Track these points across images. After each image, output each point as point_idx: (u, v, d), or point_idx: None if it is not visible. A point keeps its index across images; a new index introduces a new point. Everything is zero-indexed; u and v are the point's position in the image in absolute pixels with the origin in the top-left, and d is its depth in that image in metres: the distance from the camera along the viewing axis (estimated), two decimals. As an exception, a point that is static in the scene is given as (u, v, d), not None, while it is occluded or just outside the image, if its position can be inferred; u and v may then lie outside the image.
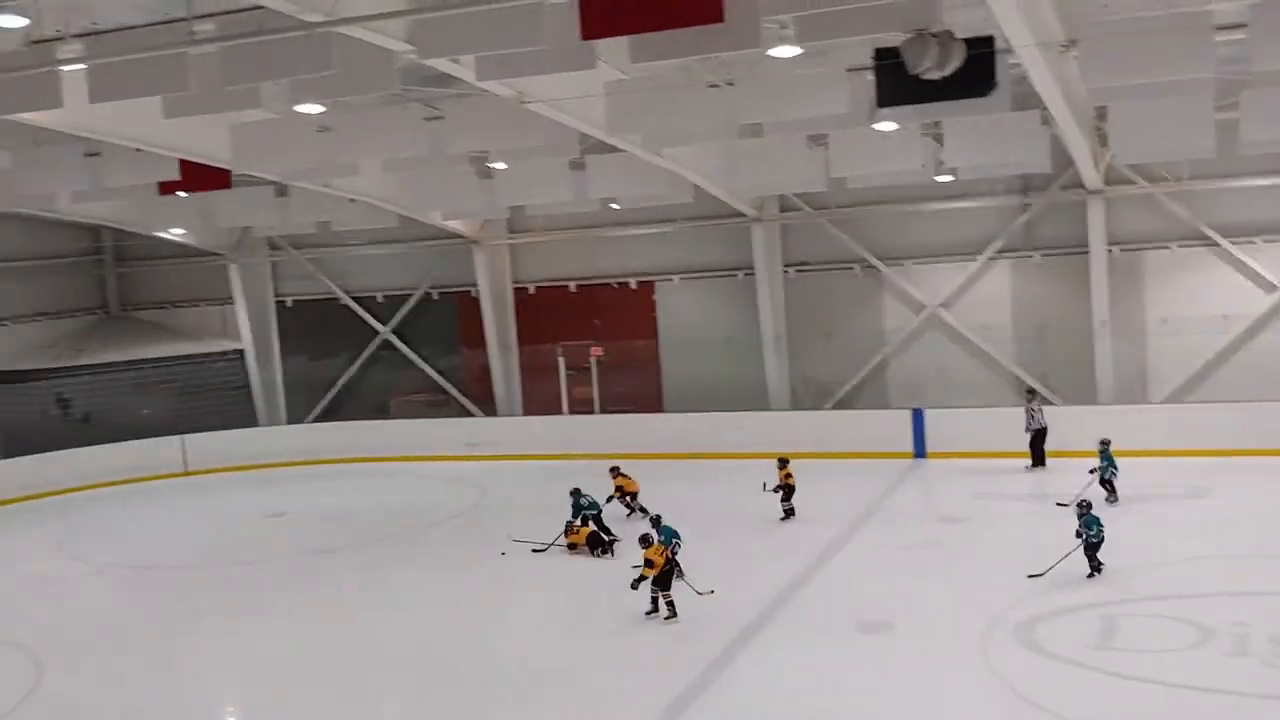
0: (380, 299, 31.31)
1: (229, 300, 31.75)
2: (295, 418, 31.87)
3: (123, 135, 17.99)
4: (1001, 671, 13.12)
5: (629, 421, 27.54)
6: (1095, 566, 15.80)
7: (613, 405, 28.47)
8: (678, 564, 15.96)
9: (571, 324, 29.23)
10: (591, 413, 28.20)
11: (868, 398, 27.20)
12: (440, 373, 31.04)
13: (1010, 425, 23.17)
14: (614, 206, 25.93)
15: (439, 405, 30.93)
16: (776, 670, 13.64)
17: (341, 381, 31.69)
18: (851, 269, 27.19)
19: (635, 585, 15.21)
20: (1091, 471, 19.51)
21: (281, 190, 24.60)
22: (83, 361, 30.34)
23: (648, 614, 15.30)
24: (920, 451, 24.68)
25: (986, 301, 26.31)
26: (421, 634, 16.00)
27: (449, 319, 31.04)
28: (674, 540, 16.09)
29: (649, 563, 15.06)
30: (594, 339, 28.76)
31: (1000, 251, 26.03)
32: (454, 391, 30.87)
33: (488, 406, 30.33)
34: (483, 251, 29.44)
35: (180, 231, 29.43)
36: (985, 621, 14.51)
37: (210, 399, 31.27)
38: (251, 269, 31.66)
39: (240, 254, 31.32)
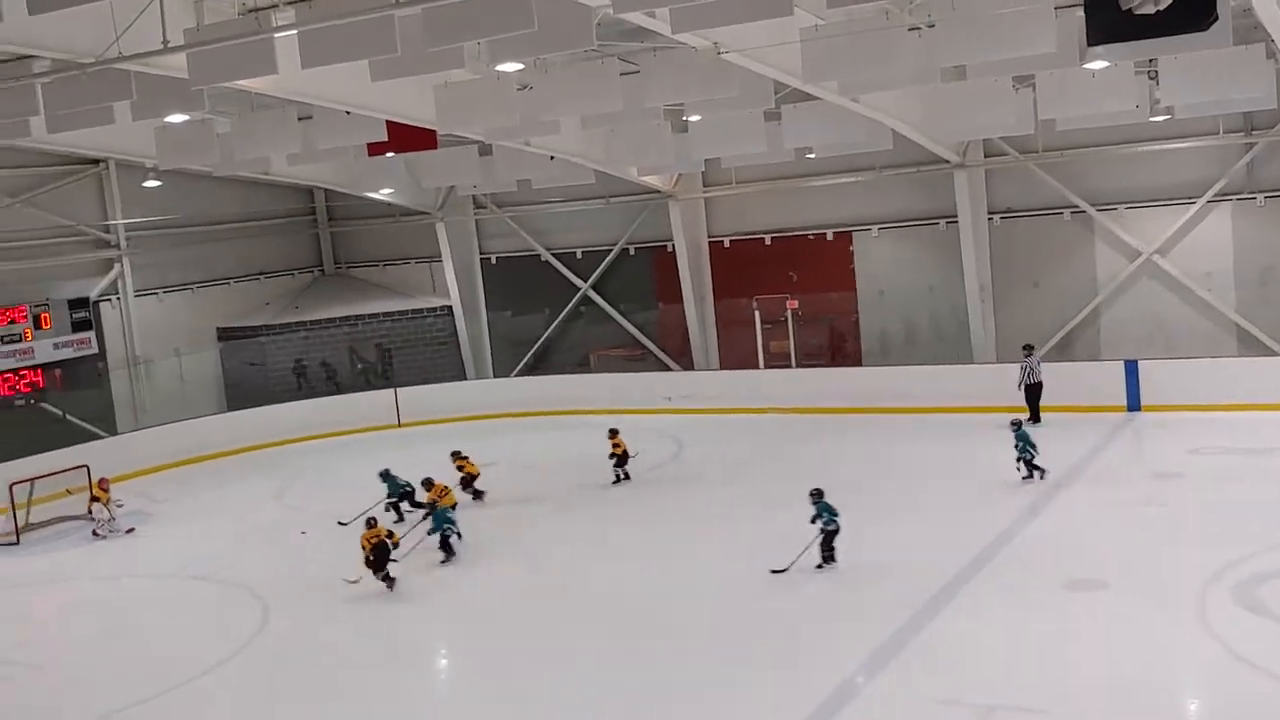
0: (580, 255, 31.75)
1: (437, 258, 32.70)
2: (501, 371, 32.71)
3: (333, 99, 18.63)
4: (1219, 632, 12.55)
5: (826, 375, 27.32)
6: None
7: (809, 358, 28.21)
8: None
9: (767, 277, 29.02)
10: (788, 366, 28.02)
11: (1078, 349, 26.19)
12: (638, 327, 31.34)
13: (1232, 377, 22.01)
14: (810, 156, 25.55)
15: (637, 359, 31.27)
16: (980, 625, 13.38)
17: (544, 336, 32.33)
18: (1061, 215, 26.14)
19: None
20: None
21: (484, 149, 25.12)
22: (300, 318, 31.83)
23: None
24: (1134, 404, 23.65)
25: (1206, 247, 24.91)
26: (619, 584, 16.29)
27: (646, 274, 31.26)
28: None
29: None
30: (790, 292, 28.49)
31: (1221, 194, 24.58)
32: (651, 346, 31.14)
33: (685, 360, 30.50)
34: (678, 206, 29.49)
35: (389, 191, 30.43)
36: (1202, 580, 13.89)
37: (420, 353, 32.40)
38: (457, 227, 32.52)
39: (446, 213, 32.20)
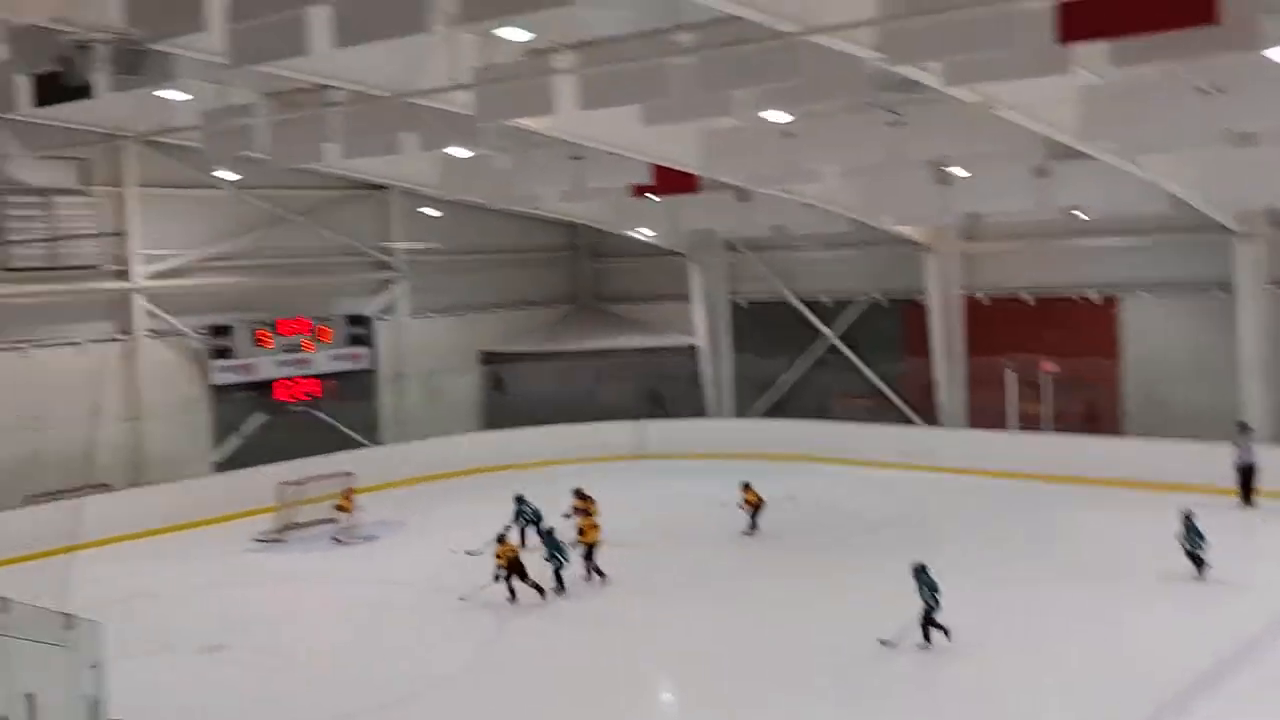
0: (828, 302, 31.66)
1: (687, 297, 33.25)
2: (742, 412, 32.89)
3: (604, 140, 19.35)
4: None
5: (1081, 443, 26.11)
6: None
7: (1064, 424, 27.14)
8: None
9: (1023, 336, 28.11)
10: (1040, 430, 27.06)
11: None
12: (883, 378, 30.94)
13: None
14: (1079, 215, 24.71)
15: (880, 410, 30.84)
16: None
17: (787, 380, 32.34)
18: (1351, 291, 24.37)
19: None
20: None
21: (743, 194, 25.46)
22: (556, 348, 32.93)
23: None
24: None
25: None
26: (840, 638, 16.09)
27: (895, 325, 30.84)
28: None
29: None
30: (1047, 353, 27.51)
31: None
32: (895, 398, 30.68)
33: (929, 415, 29.90)
34: (934, 258, 29.03)
35: (647, 231, 31.19)
36: None
37: (666, 389, 32.95)
38: (710, 268, 32.98)
39: (700, 254, 32.72)
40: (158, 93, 16.96)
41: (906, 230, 28.22)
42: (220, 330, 27.03)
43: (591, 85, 14.82)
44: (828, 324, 31.55)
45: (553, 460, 29.01)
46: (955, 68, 13.43)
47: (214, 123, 18.85)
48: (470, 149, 20.15)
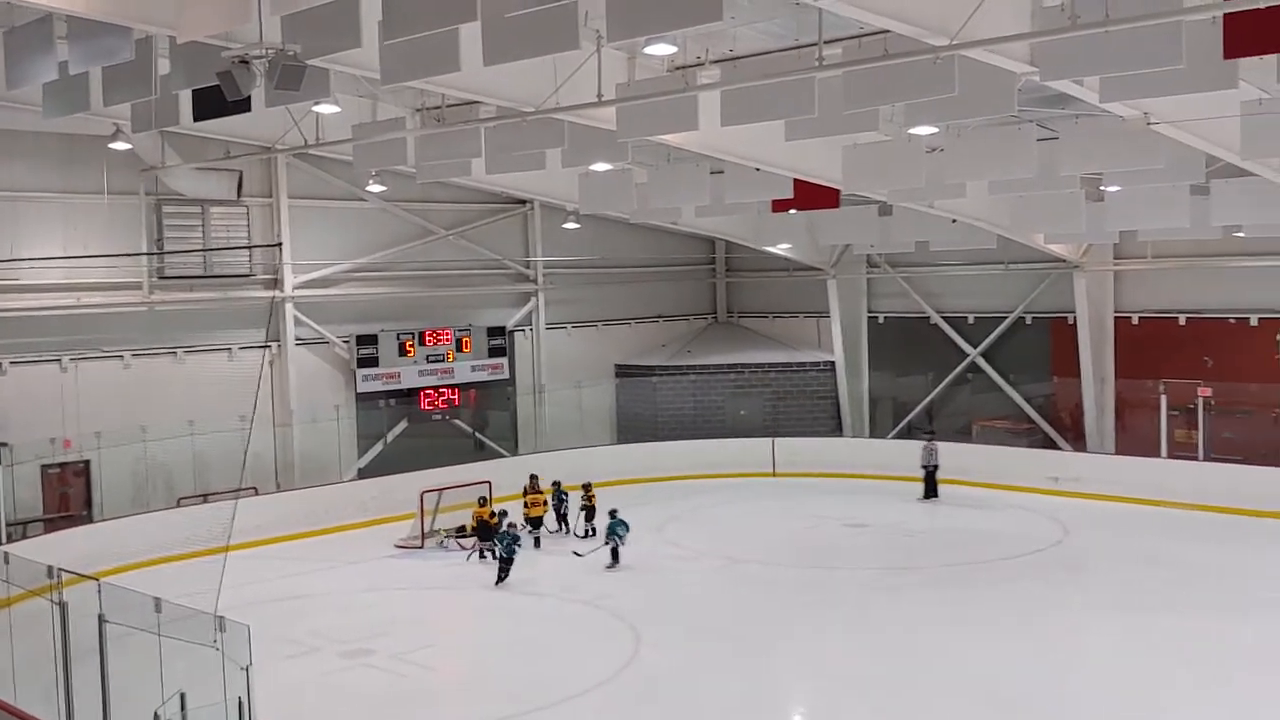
0: (971, 320, 30.99)
1: (825, 313, 32.91)
2: (878, 431, 32.39)
3: (744, 155, 19.23)
4: None
5: (1239, 473, 24.93)
6: None
7: (1219, 452, 26.03)
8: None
9: (1177, 359, 27.12)
10: (1194, 458, 25.99)
11: None
12: (1028, 400, 30.14)
13: None
14: (1238, 235, 23.74)
15: (1024, 433, 30.03)
16: None
17: (926, 400, 31.76)
18: None
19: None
20: None
21: (885, 210, 25.09)
22: (691, 362, 32.93)
23: None
24: None
25: None
26: (988, 665, 15.68)
27: (1041, 345, 30.04)
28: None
29: None
30: (1202, 378, 26.45)
31: None
32: (1040, 421, 29.84)
33: (1076, 440, 29.00)
34: (1084, 277, 28.19)
35: (786, 246, 30.96)
36: None
37: (800, 406, 32.65)
38: (848, 285, 32.60)
39: (839, 270, 32.37)
40: (312, 107, 17.43)
41: (1055, 248, 27.48)
42: (366, 339, 27.71)
43: (735, 101, 14.76)
44: (971, 343, 30.89)
45: (687, 475, 28.99)
46: (1113, 83, 13.00)
47: (364, 136, 19.38)
48: (612, 164, 20.25)
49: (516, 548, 20.69)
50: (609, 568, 21.19)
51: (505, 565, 20.54)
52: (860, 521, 24.81)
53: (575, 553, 21.91)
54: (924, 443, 27.38)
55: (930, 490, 26.74)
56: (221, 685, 9.10)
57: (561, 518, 23.96)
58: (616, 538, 21.43)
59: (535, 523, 23.16)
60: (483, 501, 22.70)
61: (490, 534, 21.88)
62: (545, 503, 23.48)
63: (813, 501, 27.12)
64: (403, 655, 16.89)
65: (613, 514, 21.71)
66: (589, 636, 17.88)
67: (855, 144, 18.57)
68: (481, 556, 22.08)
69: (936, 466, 26.79)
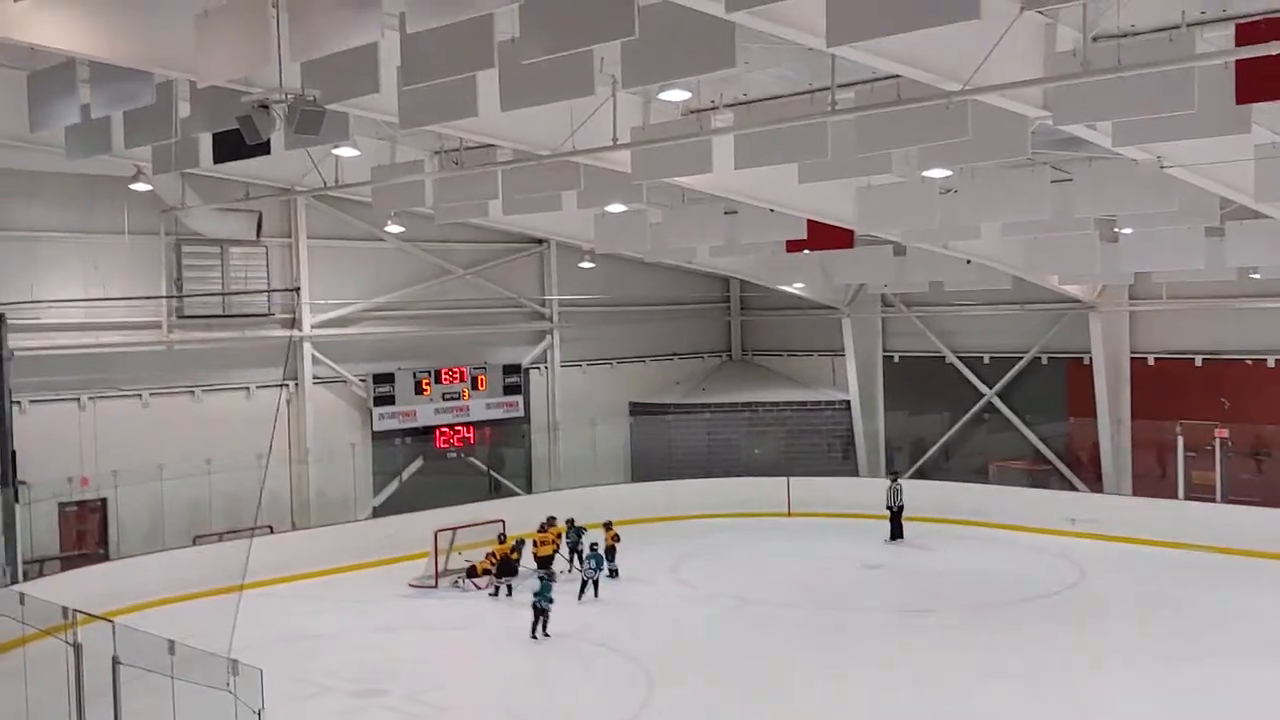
0: (986, 360, 30.95)
1: (840, 352, 32.90)
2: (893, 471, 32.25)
3: (758, 196, 19.32)
4: None
5: (1258, 516, 24.74)
6: None
7: (1237, 494, 25.87)
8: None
9: (1194, 401, 27.00)
10: (1212, 500, 25.84)
11: None
12: (1044, 440, 30.03)
13: None
14: (1254, 276, 23.72)
15: (1040, 474, 29.90)
16: None
17: (941, 440, 31.66)
18: None
19: None
20: None
21: (899, 250, 25.15)
22: (706, 400, 32.93)
23: None
24: None
25: None
26: (1006, 713, 15.55)
27: (1057, 386, 29.96)
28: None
29: None
30: (1219, 419, 26.34)
31: None
32: (1057, 462, 29.72)
33: (1093, 481, 28.86)
34: (1099, 318, 28.16)
35: (800, 286, 31.02)
36: None
37: (815, 444, 32.59)
38: (863, 324, 32.62)
39: (854, 309, 32.39)
40: (332, 150, 17.61)
41: (1070, 289, 27.47)
42: (383, 378, 27.81)
43: (749, 144, 14.86)
44: (987, 383, 30.84)
45: (700, 514, 28.94)
46: (1126, 128, 13.05)
47: (383, 178, 19.55)
48: (627, 205, 20.38)
49: (552, 598, 19.76)
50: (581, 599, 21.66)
51: (542, 615, 19.56)
52: (876, 563, 24.71)
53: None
54: (889, 483, 27.34)
55: (896, 531, 26.71)
56: (235, 728, 9.11)
57: (575, 554, 23.63)
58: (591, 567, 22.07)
59: (543, 562, 22.88)
60: (502, 538, 22.77)
61: (512, 569, 22.06)
62: (554, 541, 23.33)
63: (828, 541, 27.02)
64: (416, 695, 16.85)
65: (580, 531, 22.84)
66: (602, 678, 17.82)
67: (869, 185, 18.68)
68: (496, 592, 22.19)
69: (901, 507, 26.80)
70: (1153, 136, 12.99)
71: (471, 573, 23.04)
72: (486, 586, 22.52)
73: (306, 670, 17.71)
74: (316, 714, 15.99)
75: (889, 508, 26.83)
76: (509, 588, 22.17)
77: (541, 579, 20.11)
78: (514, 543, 22.94)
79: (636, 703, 16.36)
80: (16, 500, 21.16)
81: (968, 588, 22.58)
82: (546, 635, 19.41)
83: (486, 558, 22.85)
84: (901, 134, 13.36)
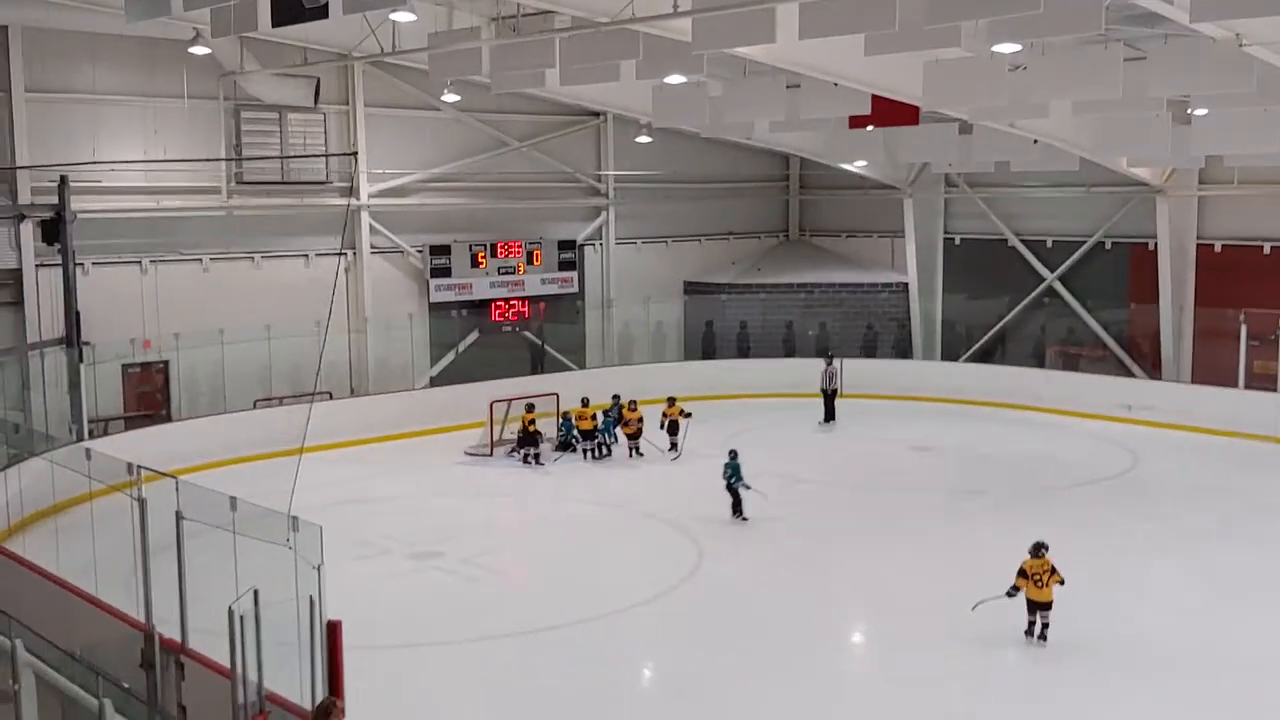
0: (1049, 244, 30.45)
1: (899, 233, 32.50)
2: (949, 355, 32.09)
3: (822, 69, 18.88)
4: None
5: (1317, 405, 24.51)
6: None
7: (1299, 384, 25.52)
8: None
9: (1260, 288, 26.46)
10: (1273, 390, 25.49)
11: None
12: (1104, 326, 29.66)
13: None
14: (1331, 162, 23.03)
15: (1098, 360, 29.63)
16: None
17: (1000, 324, 31.36)
18: None
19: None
20: None
21: (965, 128, 24.60)
22: (761, 280, 32.76)
23: None
24: None
25: None
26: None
27: (1120, 271, 29.47)
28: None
29: None
30: (1283, 307, 25.85)
31: None
32: (1116, 348, 29.38)
33: (1152, 368, 28.55)
34: (1167, 202, 27.52)
35: (862, 164, 30.52)
36: None
37: (870, 327, 32.42)
38: (925, 204, 32.12)
39: (916, 189, 31.88)
40: (389, 15, 17.39)
41: (1139, 171, 26.83)
42: (439, 250, 27.90)
43: (813, 13, 14.47)
44: (1049, 267, 30.38)
45: (753, 394, 29.02)
46: (1203, 1, 12.57)
47: (439, 45, 19.33)
48: (687, 76, 20.01)
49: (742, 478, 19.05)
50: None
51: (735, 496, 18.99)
52: (926, 444, 24.73)
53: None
54: (824, 365, 27.42)
55: (829, 413, 26.88)
56: (293, 583, 9.34)
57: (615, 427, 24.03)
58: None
59: (587, 435, 23.50)
60: (530, 408, 23.42)
61: (533, 440, 23.10)
62: (593, 417, 23.74)
63: (879, 423, 27.05)
64: (470, 559, 17.27)
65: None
66: (652, 548, 18.13)
67: (936, 60, 18.18)
68: (526, 461, 22.90)
69: (836, 390, 26.97)
70: (1233, 11, 12.54)
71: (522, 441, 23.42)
72: (514, 452, 23.32)
73: (364, 533, 18.18)
74: (375, 575, 16.45)
75: (823, 390, 27.11)
76: (535, 456, 22.93)
77: (728, 464, 19.19)
78: (562, 416, 23.66)
79: (685, 571, 16.66)
80: (81, 360, 21.66)
81: (1019, 471, 22.59)
82: (744, 518, 18.97)
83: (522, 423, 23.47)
84: (972, 6, 12.99)
